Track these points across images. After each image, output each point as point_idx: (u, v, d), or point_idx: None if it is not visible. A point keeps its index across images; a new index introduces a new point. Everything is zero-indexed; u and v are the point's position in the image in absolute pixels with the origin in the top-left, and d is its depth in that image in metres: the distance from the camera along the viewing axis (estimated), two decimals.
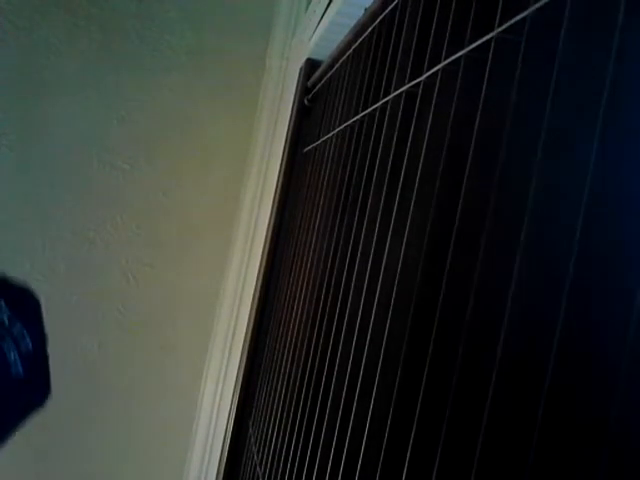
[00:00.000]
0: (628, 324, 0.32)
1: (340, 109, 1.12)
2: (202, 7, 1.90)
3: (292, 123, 1.51)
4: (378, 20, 0.92)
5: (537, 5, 0.43)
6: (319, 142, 1.27)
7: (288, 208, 1.51)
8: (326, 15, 1.24)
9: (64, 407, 1.92)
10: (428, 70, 0.65)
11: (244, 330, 1.62)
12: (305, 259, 1.17)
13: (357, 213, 0.85)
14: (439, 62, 0.61)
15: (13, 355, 0.66)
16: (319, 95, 1.42)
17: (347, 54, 1.14)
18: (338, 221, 0.96)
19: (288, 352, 1.16)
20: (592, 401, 0.34)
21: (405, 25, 0.77)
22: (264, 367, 1.42)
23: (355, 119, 0.96)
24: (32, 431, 1.91)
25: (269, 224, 1.55)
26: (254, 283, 1.60)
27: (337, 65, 1.23)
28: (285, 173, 1.51)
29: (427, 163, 0.61)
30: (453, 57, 0.57)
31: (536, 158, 0.40)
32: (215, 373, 1.83)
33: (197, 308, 2.00)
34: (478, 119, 0.50)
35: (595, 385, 0.34)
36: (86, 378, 1.93)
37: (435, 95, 0.61)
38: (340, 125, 1.08)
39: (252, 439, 1.39)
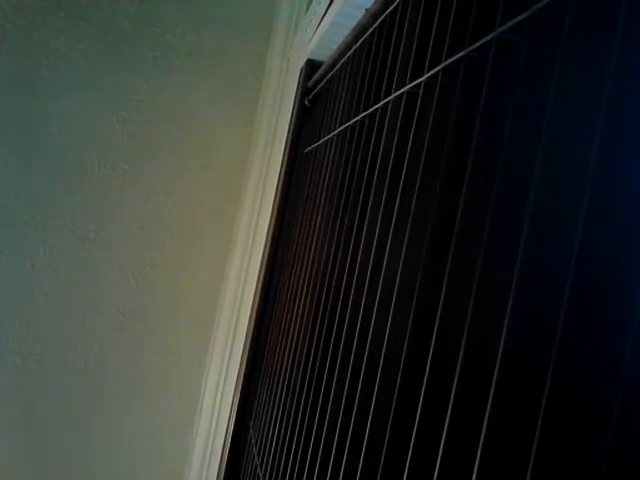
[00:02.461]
0: (630, 324, 0.32)
1: (341, 110, 1.12)
2: (202, 7, 1.90)
3: (293, 124, 1.51)
4: (379, 21, 0.92)
5: (538, 5, 0.43)
6: (320, 142, 1.27)
7: (289, 208, 1.51)
8: (327, 16, 1.24)
9: (64, 407, 1.93)
10: (429, 70, 0.65)
11: (244, 330, 1.62)
12: (306, 259, 1.17)
13: (358, 214, 0.85)
14: (440, 62, 0.61)
15: None
16: (320, 96, 1.42)
17: (348, 55, 1.14)
18: (339, 222, 0.96)
19: (289, 353, 1.16)
20: (593, 403, 0.34)
21: (406, 26, 0.77)
22: (265, 368, 1.42)
23: (356, 120, 0.96)
24: (32, 430, 1.91)
25: (270, 224, 1.54)
26: (255, 283, 1.60)
27: (338, 66, 1.23)
28: (286, 173, 1.51)
29: (428, 164, 0.61)
30: (454, 57, 0.57)
31: (537, 159, 0.40)
32: (215, 373, 1.83)
33: (198, 308, 2.00)
34: (479, 119, 0.50)
35: (596, 387, 0.34)
36: (86, 378, 1.93)
37: (436, 95, 0.61)
38: (341, 126, 1.08)
39: (253, 440, 1.39)
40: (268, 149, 1.74)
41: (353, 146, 0.96)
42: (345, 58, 1.16)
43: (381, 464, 0.58)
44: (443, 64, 0.60)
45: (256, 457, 1.29)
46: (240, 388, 1.53)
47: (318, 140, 1.29)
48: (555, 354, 0.35)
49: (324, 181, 1.14)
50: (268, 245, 1.52)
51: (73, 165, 1.87)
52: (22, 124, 1.83)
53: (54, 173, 1.86)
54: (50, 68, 1.82)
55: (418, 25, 0.72)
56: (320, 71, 1.39)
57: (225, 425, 1.62)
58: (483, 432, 0.40)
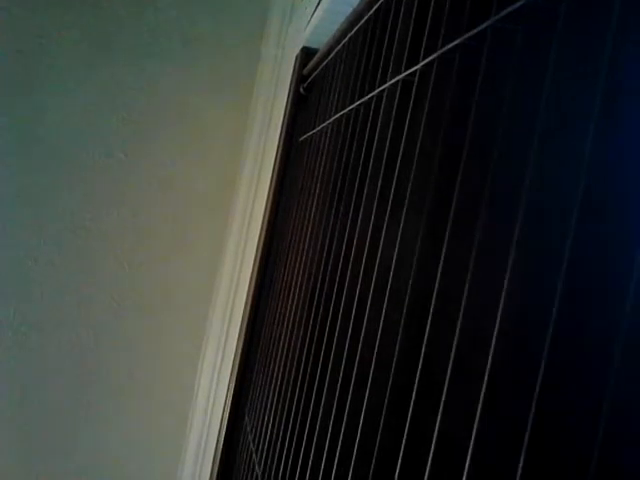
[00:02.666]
0: (622, 320, 0.32)
1: (336, 98, 1.11)
2: None
3: (288, 112, 1.51)
4: (374, 8, 0.92)
5: None
6: (315, 131, 1.27)
7: (284, 196, 1.51)
8: (322, 3, 1.23)
9: (60, 400, 1.93)
10: (424, 58, 0.64)
11: (240, 319, 1.62)
12: (301, 247, 1.17)
13: (353, 202, 0.85)
14: (435, 50, 0.61)
15: None
16: (315, 84, 1.42)
17: (343, 42, 1.13)
18: (334, 210, 0.96)
19: (284, 340, 1.16)
20: (584, 405, 0.34)
21: (401, 13, 0.77)
22: (260, 354, 1.43)
23: (351, 108, 0.96)
24: (27, 424, 1.92)
25: (265, 212, 1.54)
26: (250, 271, 1.60)
27: (333, 53, 1.22)
28: (281, 162, 1.50)
29: (423, 152, 0.61)
30: (450, 45, 0.57)
31: (533, 147, 0.40)
32: (211, 360, 1.83)
33: (193, 297, 2.00)
34: (475, 108, 0.50)
35: (588, 388, 0.34)
36: (83, 369, 1.94)
37: (431, 83, 0.61)
38: (336, 114, 1.08)
39: (248, 428, 1.40)
40: (263, 137, 1.73)
41: (348, 134, 0.96)
42: (340, 46, 1.16)
43: (375, 453, 0.58)
44: (439, 52, 0.60)
45: (251, 444, 1.29)
46: (235, 376, 1.54)
47: (313, 128, 1.29)
48: (547, 352, 0.36)
49: (319, 169, 1.14)
50: (263, 232, 1.52)
51: (70, 157, 1.86)
52: (20, 117, 1.82)
53: (51, 164, 1.85)
54: (43, 57, 1.81)
55: (414, 12, 0.72)
56: (315, 59, 1.39)
57: (220, 413, 1.63)
58: (473, 434, 0.41)
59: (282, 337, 1.18)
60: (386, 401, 0.58)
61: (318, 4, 1.26)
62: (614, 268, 0.34)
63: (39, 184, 1.85)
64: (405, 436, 0.52)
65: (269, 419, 1.15)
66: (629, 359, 0.31)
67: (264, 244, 1.52)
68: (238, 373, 1.53)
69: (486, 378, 0.41)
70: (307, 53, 1.46)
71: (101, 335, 1.94)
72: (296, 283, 1.14)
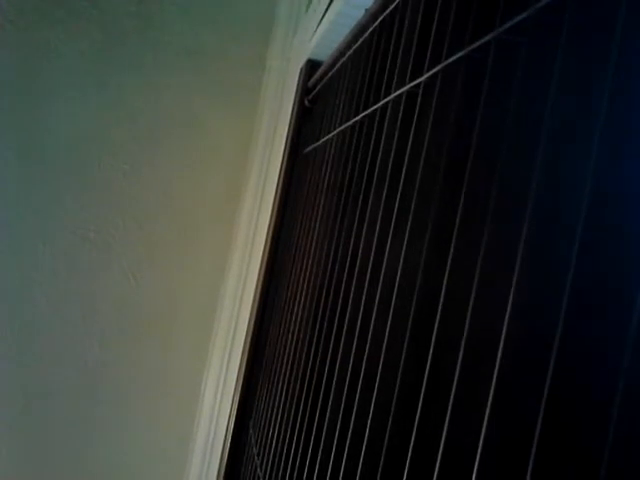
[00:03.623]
0: (629, 323, 0.32)
1: (340, 110, 1.12)
2: (202, 7, 1.90)
3: (292, 123, 1.51)
4: (378, 21, 0.92)
5: (538, 5, 0.43)
6: (319, 143, 1.27)
7: (289, 208, 1.51)
8: (326, 16, 1.24)
9: (64, 407, 1.93)
10: (429, 70, 0.65)
11: (244, 330, 1.62)
12: (305, 259, 1.17)
13: (357, 214, 0.85)
14: (440, 62, 0.61)
15: None
16: (319, 96, 1.42)
17: (347, 55, 1.14)
18: (338, 221, 0.96)
19: (288, 353, 1.16)
20: (593, 407, 0.34)
21: (405, 26, 0.77)
22: (265, 367, 1.42)
23: (355, 120, 0.96)
24: (32, 430, 1.91)
25: (270, 224, 1.54)
26: (254, 283, 1.60)
27: (337, 66, 1.23)
28: (285, 173, 1.51)
29: (428, 164, 0.61)
30: (454, 57, 0.57)
31: (537, 158, 0.40)
32: (215, 373, 1.83)
33: (198, 308, 2.00)
34: (479, 120, 0.50)
35: (596, 392, 0.34)
36: (87, 378, 1.94)
37: (436, 96, 0.61)
38: (340, 126, 1.08)
39: (252, 440, 1.39)
40: (268, 149, 1.74)
41: (353, 146, 0.96)
42: (345, 58, 1.16)
43: (381, 463, 0.58)
44: (443, 64, 0.60)
45: (256, 457, 1.29)
46: (240, 387, 1.54)
47: (318, 140, 1.29)
48: (555, 355, 0.35)
49: (324, 181, 1.14)
50: (268, 244, 1.52)
51: (73, 165, 1.87)
52: (22, 124, 1.83)
53: (54, 173, 1.86)
54: (50, 68, 1.82)
55: (418, 25, 0.72)
56: (320, 71, 1.39)
57: (225, 425, 1.62)
58: (482, 433, 0.40)
59: (287, 350, 1.18)
60: (391, 415, 0.57)
61: (323, 16, 1.27)
62: (621, 278, 0.34)
63: (44, 194, 1.85)
64: (408, 462, 0.52)
65: (274, 432, 1.15)
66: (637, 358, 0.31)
67: (269, 255, 1.52)
68: (243, 386, 1.53)
69: (494, 381, 0.40)
70: (312, 65, 1.46)
71: (105, 347, 1.94)
72: (301, 295, 1.14)
